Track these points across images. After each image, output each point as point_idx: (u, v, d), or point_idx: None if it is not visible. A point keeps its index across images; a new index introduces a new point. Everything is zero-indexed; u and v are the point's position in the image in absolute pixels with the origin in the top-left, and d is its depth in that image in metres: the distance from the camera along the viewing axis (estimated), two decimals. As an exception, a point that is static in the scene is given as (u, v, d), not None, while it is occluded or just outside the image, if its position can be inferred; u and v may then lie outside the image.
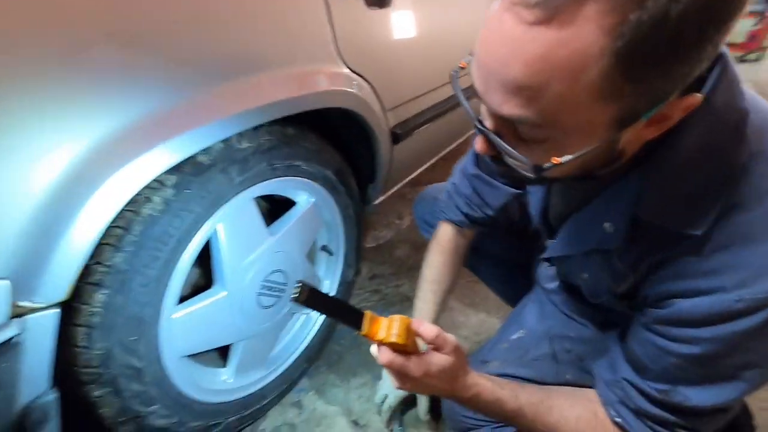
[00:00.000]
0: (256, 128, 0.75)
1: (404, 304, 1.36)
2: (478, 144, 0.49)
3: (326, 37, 0.79)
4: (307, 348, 1.08)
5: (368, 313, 0.56)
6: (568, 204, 0.66)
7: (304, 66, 0.76)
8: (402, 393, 0.96)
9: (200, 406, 0.81)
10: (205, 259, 0.78)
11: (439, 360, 0.60)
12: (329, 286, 1.11)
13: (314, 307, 0.51)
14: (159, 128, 0.56)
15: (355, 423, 1.01)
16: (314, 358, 1.12)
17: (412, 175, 1.41)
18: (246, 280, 0.82)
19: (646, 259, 0.54)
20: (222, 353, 0.93)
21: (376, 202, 1.23)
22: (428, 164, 1.51)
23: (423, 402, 0.97)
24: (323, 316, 1.09)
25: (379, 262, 1.55)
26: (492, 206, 0.85)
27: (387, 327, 0.56)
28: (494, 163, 0.52)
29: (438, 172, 2.12)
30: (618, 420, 0.62)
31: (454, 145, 1.65)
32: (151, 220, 0.62)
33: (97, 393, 0.63)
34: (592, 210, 0.59)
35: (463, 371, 0.63)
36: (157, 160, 0.56)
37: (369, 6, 0.88)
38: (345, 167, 1.00)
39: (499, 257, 1.07)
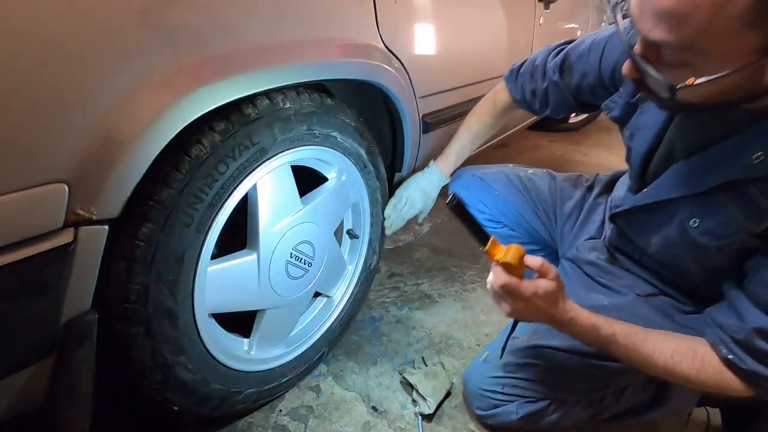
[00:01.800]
0: (298, 93, 0.78)
1: (424, 301, 1.35)
2: (626, 67, 0.54)
3: (368, 11, 0.84)
4: (327, 332, 1.06)
5: (493, 237, 0.67)
6: (696, 138, 0.65)
7: (344, 33, 0.80)
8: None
9: (223, 369, 0.80)
10: (238, 226, 0.80)
11: (545, 284, 0.65)
12: (352, 271, 1.11)
13: (457, 214, 0.65)
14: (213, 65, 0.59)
15: (374, 409, 0.98)
16: (334, 343, 1.10)
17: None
18: (277, 244, 0.82)
19: None
20: (246, 329, 0.92)
21: (402, 193, 1.24)
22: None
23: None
24: (344, 304, 1.09)
25: (398, 262, 1.54)
26: (551, 108, 0.96)
27: (505, 251, 0.66)
28: (636, 86, 0.56)
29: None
30: (730, 357, 0.61)
31: (476, 150, 1.67)
32: (198, 162, 0.64)
33: (130, 331, 0.63)
34: (734, 143, 0.59)
35: (562, 296, 0.68)
36: (210, 95, 0.59)
37: (409, -8, 0.93)
38: (376, 149, 1.02)
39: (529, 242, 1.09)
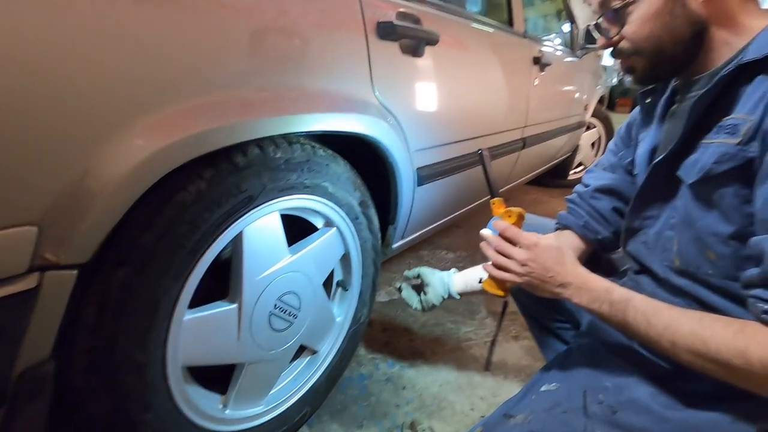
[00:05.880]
0: (290, 143, 0.79)
1: (417, 359, 1.29)
2: (599, 42, 0.65)
3: (363, 68, 0.87)
4: (310, 391, 1.00)
5: (501, 198, 0.77)
6: (685, 119, 0.65)
7: (338, 87, 0.82)
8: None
9: (193, 430, 0.75)
10: (218, 273, 0.78)
11: (547, 239, 0.67)
12: (342, 323, 1.07)
13: (483, 165, 0.77)
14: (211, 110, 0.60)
15: (357, 479, 0.90)
16: (318, 402, 1.03)
17: (432, 226, 1.41)
18: (261, 294, 0.80)
19: None
20: (222, 386, 0.86)
21: (396, 245, 1.23)
22: (444, 221, 1.52)
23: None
24: (330, 360, 1.04)
25: (391, 316, 1.49)
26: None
27: (507, 208, 0.74)
28: (613, 56, 0.65)
29: (458, 238, 2.13)
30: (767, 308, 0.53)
31: (470, 207, 1.67)
32: (183, 207, 0.63)
33: (91, 383, 0.59)
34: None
35: (572, 260, 0.66)
36: (195, 144, 0.59)
37: (403, 53, 0.97)
38: (369, 200, 1.02)
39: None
